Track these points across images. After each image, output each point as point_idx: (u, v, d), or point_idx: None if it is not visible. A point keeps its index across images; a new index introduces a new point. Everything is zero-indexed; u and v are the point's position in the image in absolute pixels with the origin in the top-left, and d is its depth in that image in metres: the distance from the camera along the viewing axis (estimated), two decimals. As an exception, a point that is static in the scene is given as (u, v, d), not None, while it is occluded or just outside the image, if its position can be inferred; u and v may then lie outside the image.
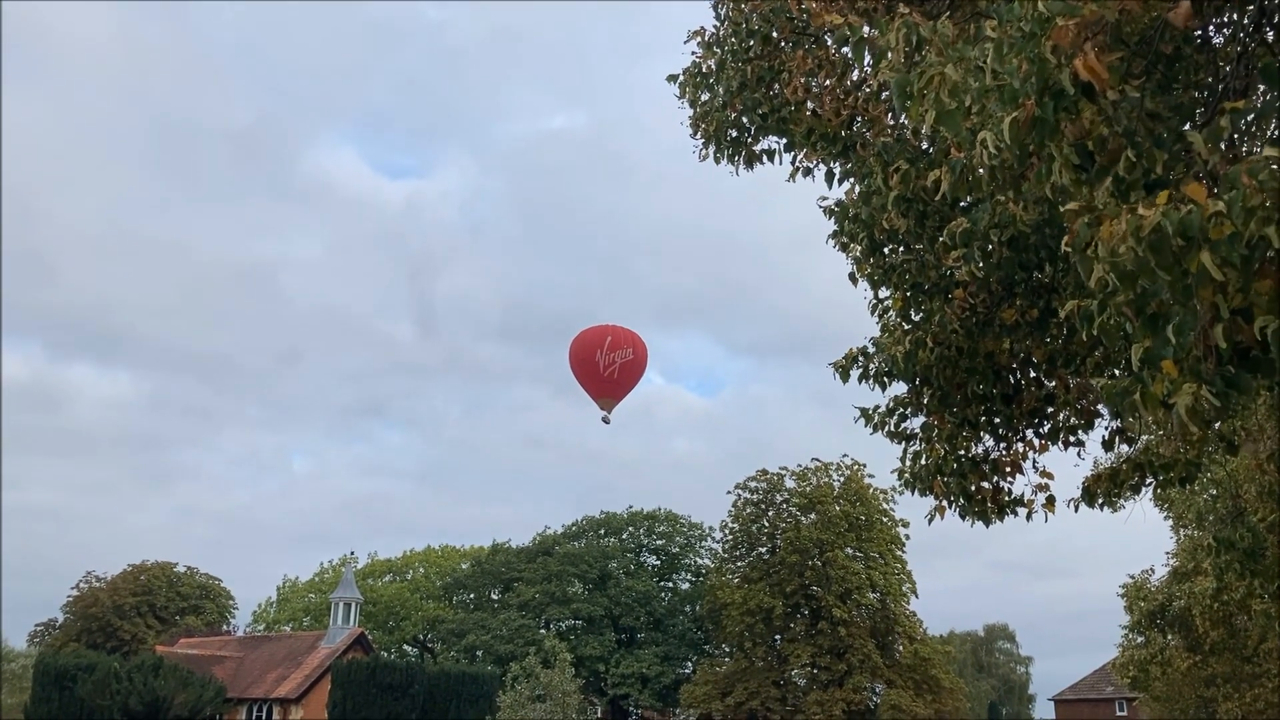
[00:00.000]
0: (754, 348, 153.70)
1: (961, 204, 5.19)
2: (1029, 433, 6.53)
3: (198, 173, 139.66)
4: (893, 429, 6.82)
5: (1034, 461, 6.63)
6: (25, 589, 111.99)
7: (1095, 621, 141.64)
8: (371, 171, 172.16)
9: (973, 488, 6.47)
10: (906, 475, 6.77)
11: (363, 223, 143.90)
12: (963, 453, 6.53)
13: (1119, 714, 62.01)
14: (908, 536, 57.54)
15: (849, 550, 55.57)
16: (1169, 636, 22.52)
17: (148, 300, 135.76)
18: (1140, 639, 22.47)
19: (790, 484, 58.25)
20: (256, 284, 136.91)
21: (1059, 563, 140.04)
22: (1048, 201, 4.40)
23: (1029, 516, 6.66)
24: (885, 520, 57.11)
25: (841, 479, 57.57)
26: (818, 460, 58.31)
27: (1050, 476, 6.68)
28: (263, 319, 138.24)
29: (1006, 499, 6.60)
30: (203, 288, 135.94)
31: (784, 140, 6.52)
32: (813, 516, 56.21)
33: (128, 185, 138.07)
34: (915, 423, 6.73)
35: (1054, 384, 6.18)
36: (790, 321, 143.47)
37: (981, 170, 4.07)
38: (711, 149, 6.94)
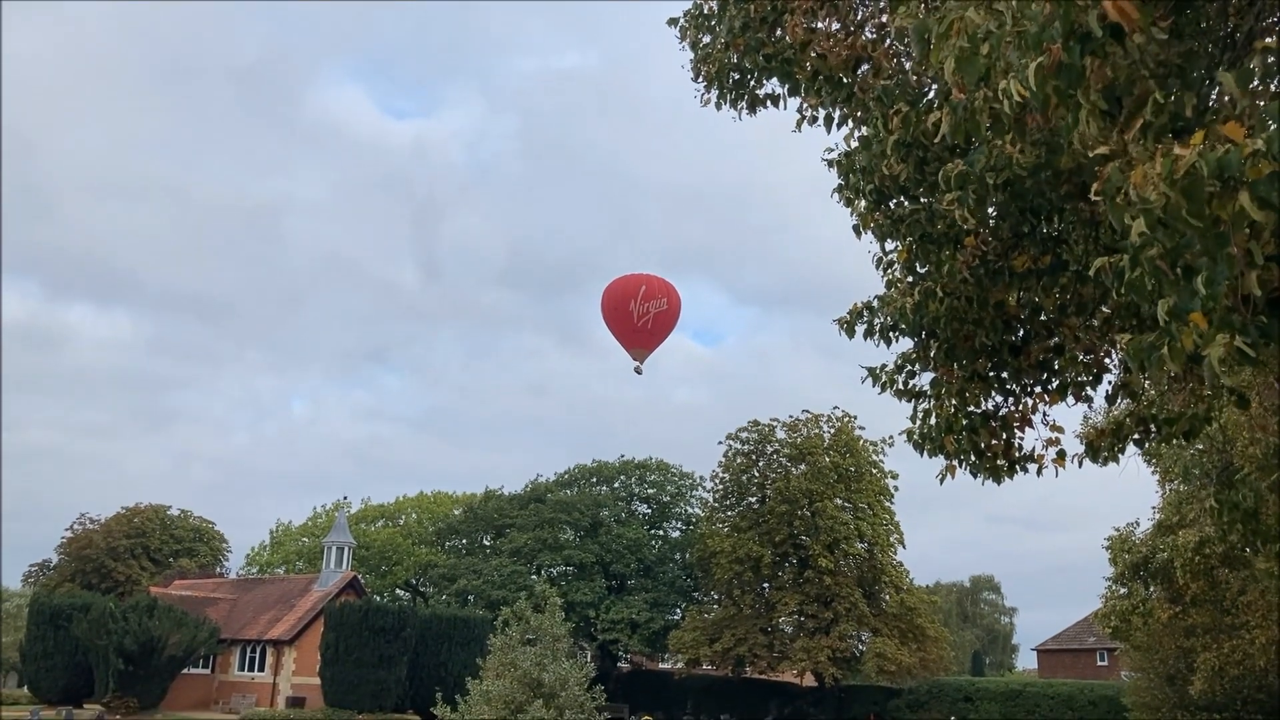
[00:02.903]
0: (759, 297, 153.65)
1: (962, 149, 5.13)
2: (1036, 387, 6.47)
3: (201, 110, 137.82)
4: (901, 387, 6.71)
5: (1044, 415, 6.56)
6: (20, 530, 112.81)
7: (1079, 575, 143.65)
8: (377, 110, 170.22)
9: (983, 444, 6.41)
10: (916, 435, 6.66)
11: (368, 164, 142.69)
12: (973, 409, 6.44)
13: (1100, 664, 63.11)
14: (896, 488, 58.20)
15: (838, 501, 56.05)
16: (1151, 588, 22.86)
17: (149, 240, 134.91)
18: (1123, 590, 22.81)
19: (781, 435, 58.62)
20: (260, 226, 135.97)
21: (1045, 517, 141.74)
22: (1045, 145, 4.37)
23: (1039, 472, 6.57)
24: (874, 471, 57.57)
25: (832, 430, 57.94)
26: (809, 412, 58.69)
27: (1061, 431, 6.56)
28: (265, 261, 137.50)
29: (1017, 455, 6.55)
30: (205, 228, 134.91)
31: (787, 85, 6.44)
32: (803, 467, 56.62)
33: (130, 122, 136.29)
34: (924, 380, 6.65)
35: (1062, 335, 6.13)
36: (797, 271, 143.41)
37: (983, 116, 4.03)
38: (714, 93, 6.84)
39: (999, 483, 7.02)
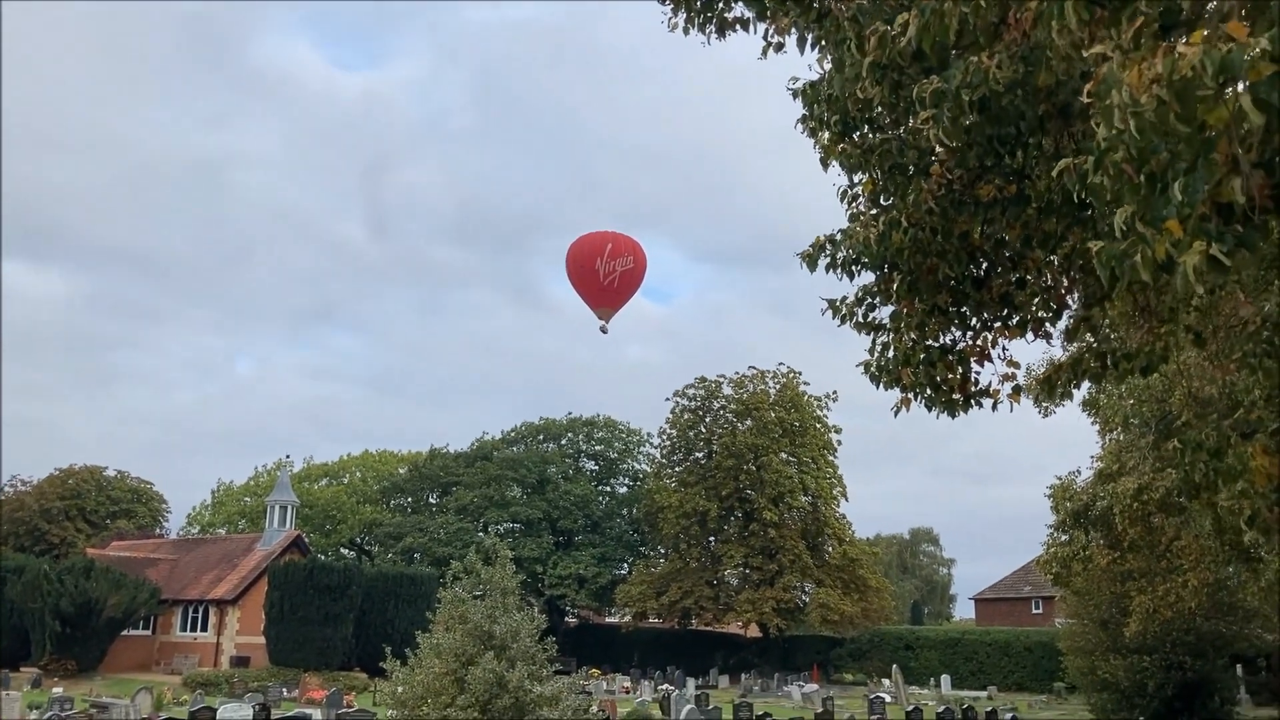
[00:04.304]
0: (714, 254, 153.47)
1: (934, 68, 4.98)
2: (996, 322, 6.44)
3: (141, 59, 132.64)
4: (860, 320, 6.65)
5: (1003, 349, 6.54)
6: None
7: (1014, 526, 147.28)
8: (324, 61, 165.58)
9: (940, 378, 6.39)
10: (873, 368, 6.62)
11: (315, 116, 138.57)
12: (931, 342, 6.43)
13: (1035, 612, 64.97)
14: (839, 442, 58.97)
15: (783, 455, 56.68)
16: (1090, 534, 23.38)
17: (86, 195, 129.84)
18: (1065, 537, 23.32)
19: (727, 391, 58.99)
20: (203, 180, 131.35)
21: (982, 470, 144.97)
22: (1024, 60, 4.25)
23: (995, 406, 6.60)
24: (818, 426, 58.26)
25: (777, 386, 58.42)
26: (755, 368, 59.09)
27: (1017, 365, 6.59)
28: (209, 217, 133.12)
29: (974, 389, 6.56)
30: (146, 182, 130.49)
31: (754, 9, 6.23)
32: (749, 422, 57.08)
33: (64, 71, 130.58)
34: (884, 313, 6.58)
35: (1025, 268, 6.09)
36: (751, 228, 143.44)
37: (953, 19, 3.89)
38: (681, 16, 6.62)
39: (953, 416, 7.00)
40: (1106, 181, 3.53)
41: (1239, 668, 37.43)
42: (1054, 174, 3.94)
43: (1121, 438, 22.71)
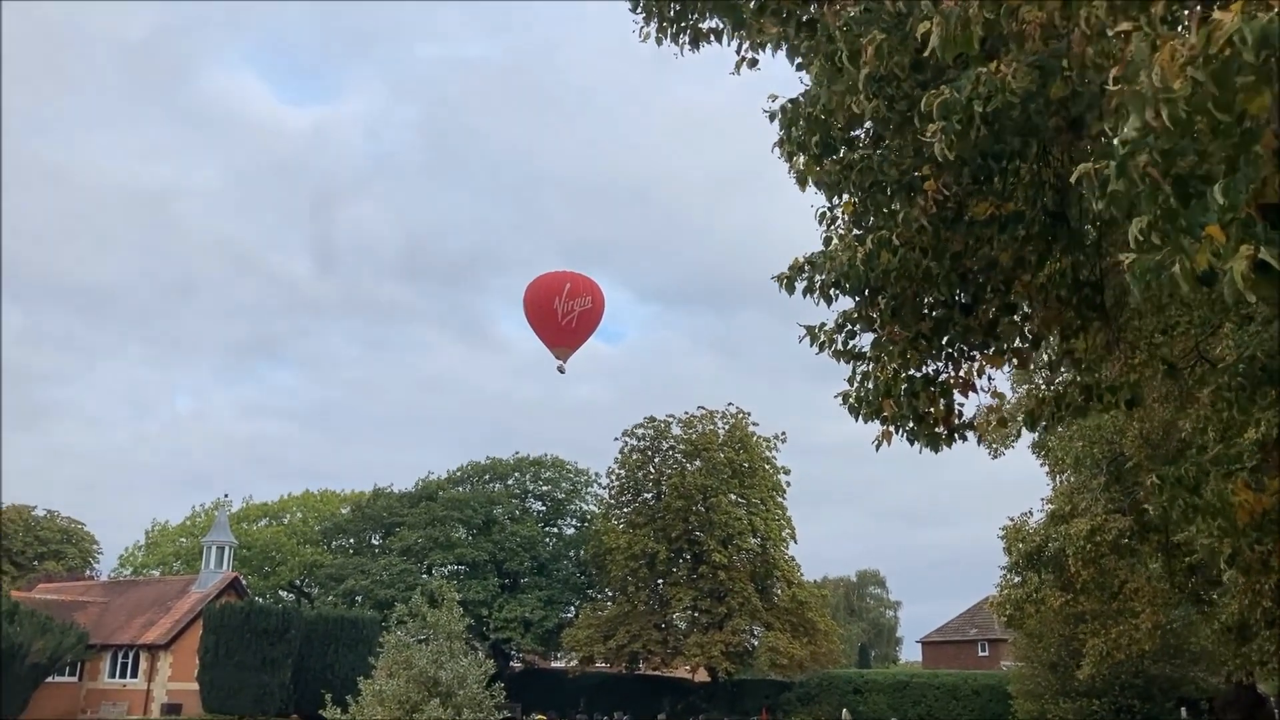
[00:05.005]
0: (661, 294, 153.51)
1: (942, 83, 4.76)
2: (974, 352, 6.22)
3: (84, 88, 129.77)
4: (840, 348, 6.38)
5: (989, 379, 6.31)
6: None
7: (959, 568, 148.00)
8: (273, 94, 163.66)
9: (923, 410, 6.13)
10: (853, 399, 6.33)
11: (263, 150, 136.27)
12: (913, 372, 6.17)
13: (981, 654, 65.10)
14: (788, 484, 58.81)
15: (732, 496, 56.33)
16: (1043, 576, 23.33)
17: (22, 227, 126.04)
18: (1018, 579, 23.23)
19: (677, 431, 58.63)
20: (144, 212, 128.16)
21: (927, 512, 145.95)
22: (1040, 68, 4.03)
23: (980, 440, 6.38)
24: (767, 467, 58.06)
25: (726, 426, 58.20)
26: (704, 408, 58.87)
27: (1001, 396, 6.39)
28: (150, 250, 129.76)
29: (958, 421, 6.30)
30: (85, 214, 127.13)
31: (729, 20, 5.98)
32: (698, 463, 56.71)
33: (5, 99, 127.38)
34: (864, 340, 6.33)
35: (1016, 293, 5.87)
36: (699, 268, 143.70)
37: (977, 26, 3.65)
38: (653, 26, 6.35)
39: (936, 450, 6.76)
40: (1124, 187, 3.27)
41: (1184, 710, 37.66)
42: (1072, 180, 3.69)
43: (1072, 479, 22.77)
